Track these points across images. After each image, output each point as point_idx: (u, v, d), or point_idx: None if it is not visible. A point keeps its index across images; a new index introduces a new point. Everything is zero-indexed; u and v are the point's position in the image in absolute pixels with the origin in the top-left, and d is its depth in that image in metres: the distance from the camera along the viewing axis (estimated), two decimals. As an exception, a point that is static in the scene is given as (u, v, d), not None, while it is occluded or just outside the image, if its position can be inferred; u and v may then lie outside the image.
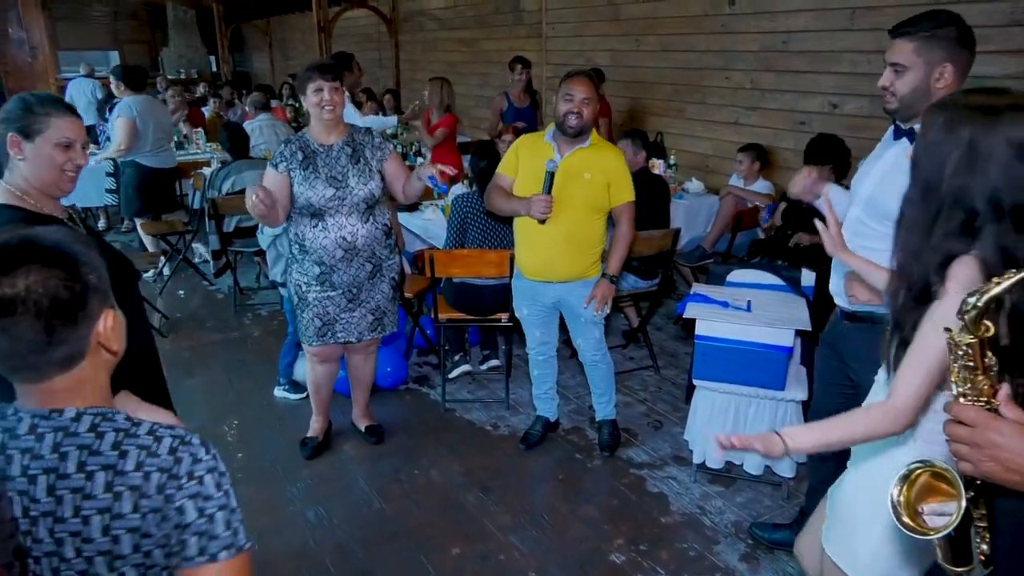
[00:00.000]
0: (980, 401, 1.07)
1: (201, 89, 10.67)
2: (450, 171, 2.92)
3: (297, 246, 3.09)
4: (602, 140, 3.20)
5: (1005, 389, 1.06)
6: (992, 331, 1.06)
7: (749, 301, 3.07)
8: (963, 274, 1.31)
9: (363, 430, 3.59)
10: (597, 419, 3.53)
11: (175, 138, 7.45)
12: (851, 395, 2.26)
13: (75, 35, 15.72)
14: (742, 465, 3.18)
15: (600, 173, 3.03)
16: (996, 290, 1.03)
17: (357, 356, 3.42)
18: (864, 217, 2.13)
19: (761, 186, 4.79)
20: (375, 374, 3.60)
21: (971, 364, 1.07)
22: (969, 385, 1.08)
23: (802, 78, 4.78)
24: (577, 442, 3.57)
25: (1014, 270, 1.03)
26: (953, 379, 1.11)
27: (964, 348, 1.07)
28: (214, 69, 16.01)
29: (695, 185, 5.33)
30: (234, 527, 1.07)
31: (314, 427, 3.52)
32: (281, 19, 14.69)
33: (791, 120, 4.91)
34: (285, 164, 2.97)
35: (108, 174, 6.17)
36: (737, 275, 3.38)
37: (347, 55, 5.78)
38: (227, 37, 14.36)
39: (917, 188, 1.42)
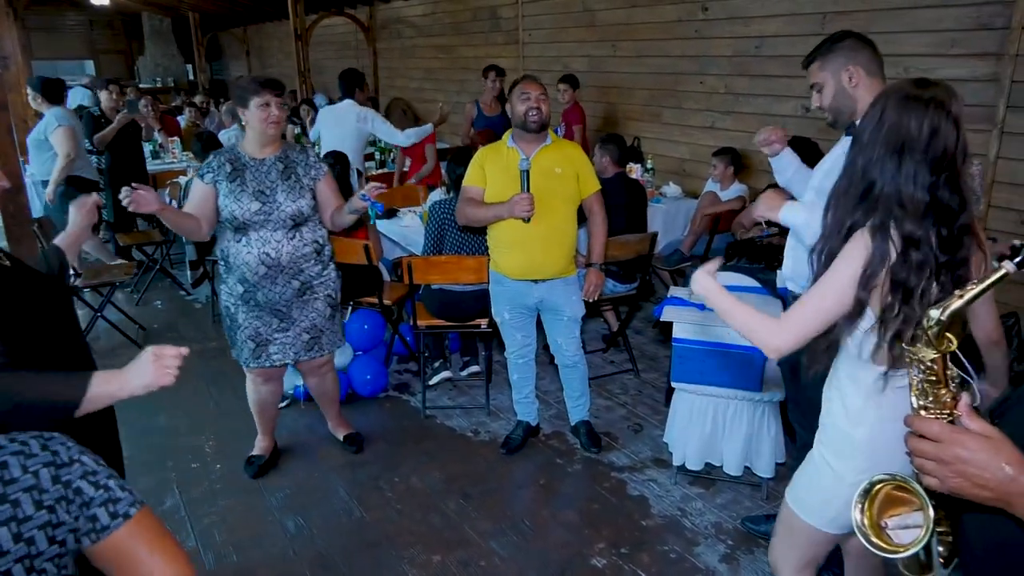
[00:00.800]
0: (943, 414, 1.06)
1: (178, 99, 10.59)
2: (381, 188, 2.90)
3: (223, 263, 3.00)
4: (558, 137, 3.30)
5: (966, 399, 1.04)
6: (955, 344, 1.06)
7: (725, 303, 3.09)
8: (856, 242, 1.52)
9: (342, 440, 3.56)
10: (573, 422, 3.55)
11: (151, 147, 7.40)
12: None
13: (49, 45, 15.56)
14: (722, 467, 3.20)
15: (569, 166, 3.14)
16: (958, 303, 1.02)
17: (311, 379, 3.36)
18: (817, 203, 2.30)
19: (736, 189, 4.83)
20: (339, 388, 3.55)
21: (934, 378, 1.06)
22: (931, 398, 1.07)
23: (775, 82, 4.83)
24: (558, 447, 3.57)
25: (975, 281, 1.03)
26: (913, 393, 1.09)
27: (927, 364, 1.06)
28: (191, 78, 15.90)
29: (672, 189, 5.37)
30: (127, 488, 1.13)
31: (259, 446, 3.44)
32: (258, 27, 14.63)
33: (765, 123, 4.94)
34: (212, 176, 2.88)
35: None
36: (713, 278, 3.40)
37: (359, 72, 5.78)
38: (204, 46, 14.26)
39: (846, 162, 1.61)
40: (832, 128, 2.36)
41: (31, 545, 1.02)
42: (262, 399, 3.30)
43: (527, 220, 3.01)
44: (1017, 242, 1.04)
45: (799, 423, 2.67)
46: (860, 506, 1.15)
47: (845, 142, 2.31)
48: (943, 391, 1.06)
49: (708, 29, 5.27)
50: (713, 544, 2.87)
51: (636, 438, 3.64)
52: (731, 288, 3.27)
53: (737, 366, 2.95)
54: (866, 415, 1.66)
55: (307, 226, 2.98)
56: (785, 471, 3.21)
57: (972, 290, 1.02)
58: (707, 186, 5.00)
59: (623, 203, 4.20)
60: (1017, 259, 1.00)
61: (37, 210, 5.96)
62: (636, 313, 4.77)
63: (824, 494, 1.79)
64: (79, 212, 2.19)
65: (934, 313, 1.04)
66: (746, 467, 3.16)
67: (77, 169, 5.57)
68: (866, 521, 1.14)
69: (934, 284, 1.49)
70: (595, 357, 4.51)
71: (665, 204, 5.17)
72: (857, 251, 1.53)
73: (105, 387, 1.54)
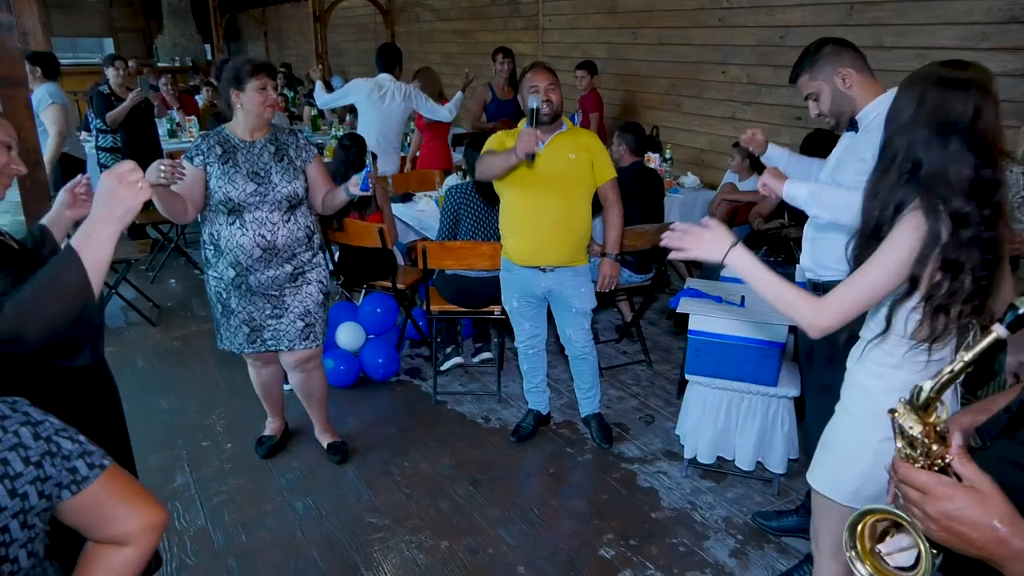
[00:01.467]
0: (935, 464, 0.98)
1: (196, 79, 10.58)
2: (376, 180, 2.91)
3: (211, 248, 2.91)
4: (574, 125, 3.24)
5: (957, 440, 0.97)
6: (945, 415, 0.99)
7: (743, 296, 3.05)
8: (910, 222, 1.53)
9: (325, 447, 3.40)
10: (583, 414, 3.52)
11: (169, 125, 7.41)
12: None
13: (69, 23, 15.58)
14: (734, 461, 3.17)
15: (584, 152, 3.08)
16: (947, 378, 0.97)
17: (296, 375, 3.18)
18: (824, 188, 2.38)
19: (755, 181, 4.76)
20: (326, 389, 3.34)
21: (925, 441, 0.99)
22: (920, 451, 0.99)
23: (799, 73, 4.75)
24: (568, 436, 3.55)
25: (962, 353, 0.97)
26: (899, 440, 1.02)
27: (916, 435, 0.99)
28: (209, 58, 15.90)
29: (691, 180, 5.31)
30: (93, 442, 1.18)
31: (270, 426, 3.43)
32: (277, 9, 14.58)
33: (787, 115, 4.89)
34: (202, 158, 2.80)
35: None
36: (731, 270, 3.35)
37: (399, 49, 5.64)
38: (222, 26, 14.22)
39: (881, 146, 1.63)
40: (835, 130, 2.41)
41: (25, 500, 1.05)
42: (264, 382, 3.27)
43: (531, 159, 2.83)
44: (1017, 301, 0.96)
45: (814, 408, 2.66)
46: (854, 551, 1.08)
47: (847, 138, 2.34)
48: (935, 447, 0.99)
49: (731, 18, 5.19)
50: (723, 538, 2.85)
51: (647, 430, 3.61)
52: (749, 281, 3.27)
53: (754, 360, 2.91)
54: (896, 381, 1.70)
55: (300, 209, 2.94)
56: (798, 467, 3.18)
57: (961, 362, 0.96)
58: (726, 177, 4.94)
59: (639, 192, 4.15)
60: (1007, 321, 0.93)
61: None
62: (651, 304, 4.73)
63: (846, 465, 1.83)
64: (66, 194, 1.98)
65: (926, 386, 0.98)
66: (758, 462, 3.14)
67: (66, 147, 5.58)
68: (869, 569, 1.08)
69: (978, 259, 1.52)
70: (608, 347, 4.48)
71: (683, 195, 5.11)
72: (909, 231, 1.54)
73: (88, 239, 1.44)
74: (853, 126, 2.30)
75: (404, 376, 4.16)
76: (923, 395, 0.99)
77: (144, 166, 2.37)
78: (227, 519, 2.94)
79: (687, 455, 3.20)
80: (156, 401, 3.86)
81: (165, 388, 4.02)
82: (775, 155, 2.77)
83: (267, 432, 3.44)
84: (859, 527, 1.09)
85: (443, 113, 5.54)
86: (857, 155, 2.21)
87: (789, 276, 3.20)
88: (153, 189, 2.55)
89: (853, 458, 1.81)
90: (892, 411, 1.03)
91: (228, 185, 2.79)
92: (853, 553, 1.10)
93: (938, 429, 0.99)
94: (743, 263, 1.66)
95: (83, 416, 1.58)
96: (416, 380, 4.13)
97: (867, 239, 1.62)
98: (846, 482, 1.84)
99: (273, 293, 2.94)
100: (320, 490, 3.13)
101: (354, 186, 2.89)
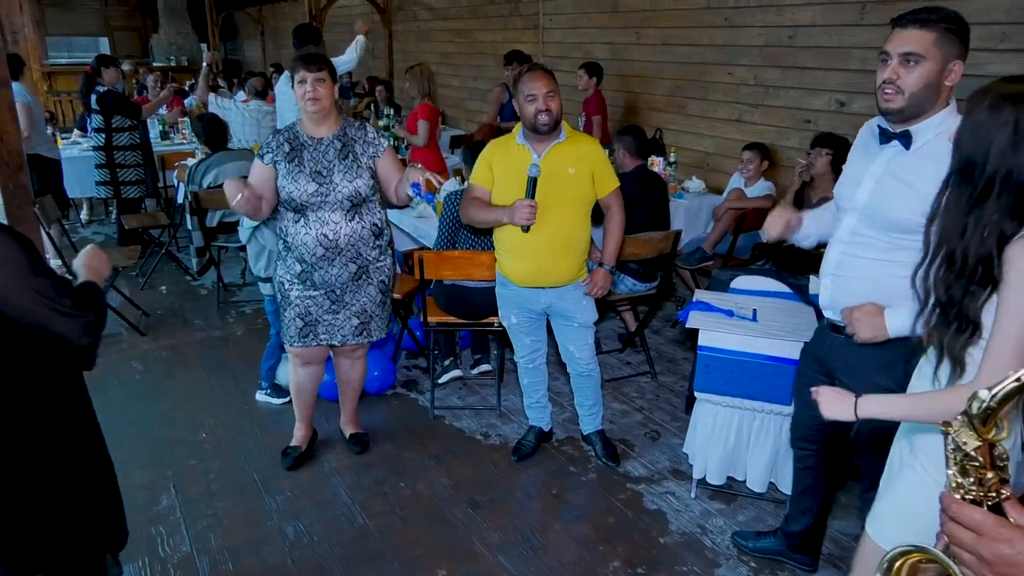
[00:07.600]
0: (988, 497, 0.89)
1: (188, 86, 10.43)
2: (438, 181, 2.74)
3: (282, 242, 2.97)
4: (574, 130, 3.04)
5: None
6: (1005, 434, 0.88)
7: (755, 310, 2.91)
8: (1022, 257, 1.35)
9: (348, 436, 3.43)
10: (585, 432, 3.38)
11: (161, 127, 7.26)
12: None
13: (64, 21, 15.42)
14: (744, 482, 3.03)
15: (584, 164, 2.90)
16: (1012, 386, 0.86)
17: (343, 360, 3.27)
18: (861, 227, 2.02)
19: (763, 187, 4.63)
20: (364, 379, 3.42)
21: (976, 463, 0.90)
22: (972, 479, 0.90)
23: (808, 75, 4.61)
24: (571, 454, 3.41)
25: None
26: (949, 469, 0.92)
27: (970, 451, 0.89)
28: (205, 57, 15.71)
29: (695, 184, 5.17)
30: None
31: (297, 436, 3.34)
32: (273, 7, 14.42)
33: (796, 118, 4.75)
34: (271, 156, 2.87)
35: (98, 166, 5.94)
36: (741, 282, 3.21)
37: (314, 28, 5.39)
38: (218, 25, 14.06)
39: (958, 168, 1.46)
40: (888, 115, 1.87)
41: None
42: (301, 381, 3.22)
43: (525, 230, 2.80)
44: None
45: (800, 446, 2.50)
46: None
47: (889, 152, 1.94)
48: (989, 474, 0.89)
49: (738, 17, 5.04)
50: (735, 566, 2.71)
51: (653, 446, 3.47)
52: (760, 293, 3.13)
53: (767, 378, 2.77)
54: None
55: (366, 207, 2.92)
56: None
57: None
58: (732, 182, 4.80)
59: (644, 198, 4.01)
60: None
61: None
62: (656, 313, 4.58)
63: (917, 528, 1.59)
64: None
65: (983, 395, 0.87)
66: (770, 483, 3.00)
67: (35, 147, 5.47)
68: None
69: None
70: (610, 358, 4.33)
71: (687, 199, 4.97)
72: None
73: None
74: (904, 138, 1.91)
75: (400, 389, 4.01)
76: (980, 404, 0.86)
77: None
78: (214, 545, 2.80)
79: (696, 475, 3.07)
80: (143, 414, 3.70)
81: (152, 400, 3.87)
82: (807, 227, 2.28)
83: (293, 442, 3.34)
84: (897, 565, 0.98)
85: (346, 59, 5.31)
86: (905, 179, 1.89)
87: (801, 288, 3.10)
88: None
89: (925, 522, 1.59)
90: (947, 424, 0.91)
91: (291, 184, 2.82)
92: None
93: (995, 452, 0.89)
94: (872, 407, 1.62)
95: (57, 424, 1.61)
96: (413, 393, 3.98)
97: (971, 282, 1.42)
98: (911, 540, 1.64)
99: (335, 290, 2.95)
100: (312, 512, 2.98)
101: (411, 179, 2.80)
